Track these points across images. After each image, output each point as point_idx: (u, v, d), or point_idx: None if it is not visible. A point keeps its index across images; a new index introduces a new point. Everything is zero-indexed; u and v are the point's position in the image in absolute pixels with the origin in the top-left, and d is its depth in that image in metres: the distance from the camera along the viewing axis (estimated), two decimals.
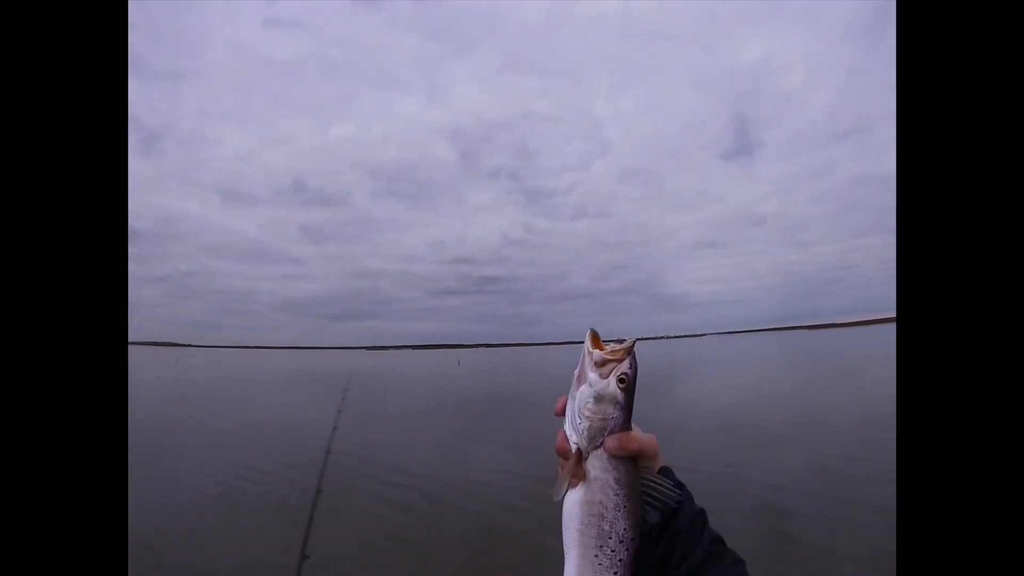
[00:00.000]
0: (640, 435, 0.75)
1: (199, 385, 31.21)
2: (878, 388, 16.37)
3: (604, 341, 0.77)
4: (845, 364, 29.91)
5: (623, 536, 0.71)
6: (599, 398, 0.72)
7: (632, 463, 0.73)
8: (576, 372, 0.76)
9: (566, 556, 0.73)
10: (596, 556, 0.71)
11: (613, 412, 0.72)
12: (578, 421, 0.73)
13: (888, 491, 7.15)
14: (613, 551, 0.71)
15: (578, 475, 0.73)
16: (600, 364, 0.74)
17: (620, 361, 0.73)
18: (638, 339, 0.75)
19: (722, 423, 13.45)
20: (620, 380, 0.72)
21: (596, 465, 0.72)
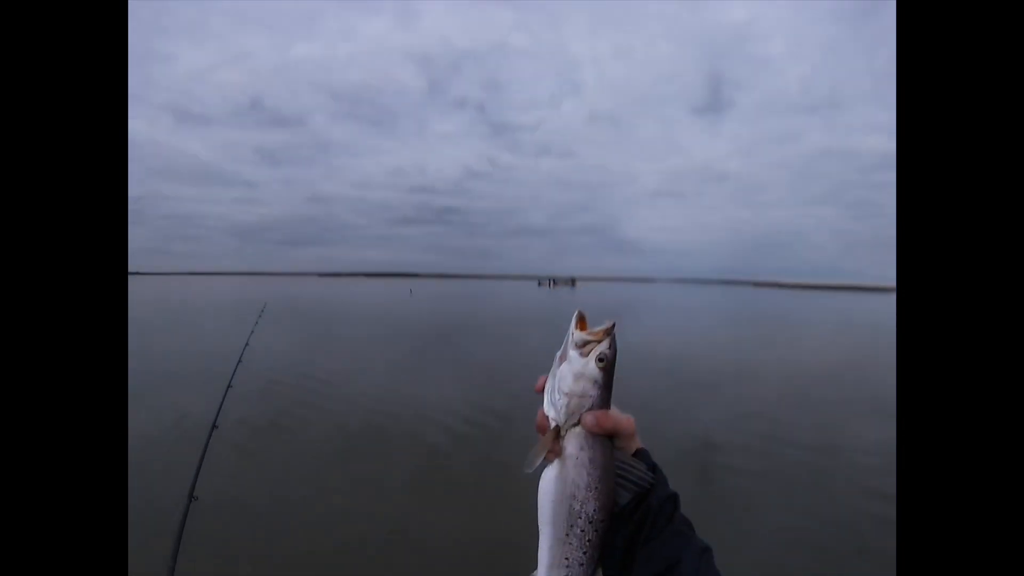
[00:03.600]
0: (618, 414, 0.76)
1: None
2: (809, 350, 17.51)
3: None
4: (783, 323, 31.15)
5: (592, 517, 0.73)
6: (578, 376, 0.74)
7: (608, 443, 0.75)
8: (559, 353, 0.77)
9: (540, 533, 0.76)
10: (567, 535, 0.74)
11: (591, 390, 0.74)
12: (557, 397, 0.75)
13: (805, 437, 8.00)
14: (583, 531, 0.73)
15: (555, 451, 0.74)
16: (581, 345, 0.75)
17: (599, 342, 0.75)
18: (616, 323, 0.77)
19: (664, 365, 14.10)
20: (599, 359, 0.74)
21: (573, 443, 0.74)
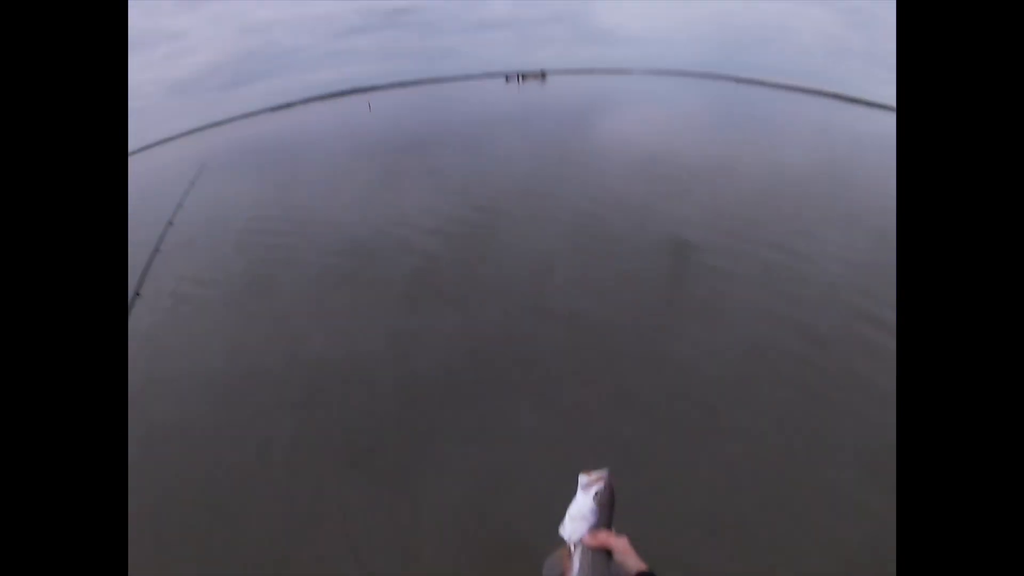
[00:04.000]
0: (610, 534, 1.02)
1: None
2: (789, 151, 16.90)
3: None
4: (765, 124, 29.40)
5: None
6: (580, 506, 1.05)
7: (606, 557, 1.00)
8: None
9: None
10: None
11: (590, 517, 1.03)
12: (567, 522, 1.04)
13: (781, 228, 8.25)
14: None
15: (568, 567, 1.00)
16: (585, 485, 1.06)
17: (596, 484, 1.06)
18: (610, 471, 1.08)
19: (640, 160, 13.90)
20: (595, 495, 1.04)
21: (578, 556, 1.01)
